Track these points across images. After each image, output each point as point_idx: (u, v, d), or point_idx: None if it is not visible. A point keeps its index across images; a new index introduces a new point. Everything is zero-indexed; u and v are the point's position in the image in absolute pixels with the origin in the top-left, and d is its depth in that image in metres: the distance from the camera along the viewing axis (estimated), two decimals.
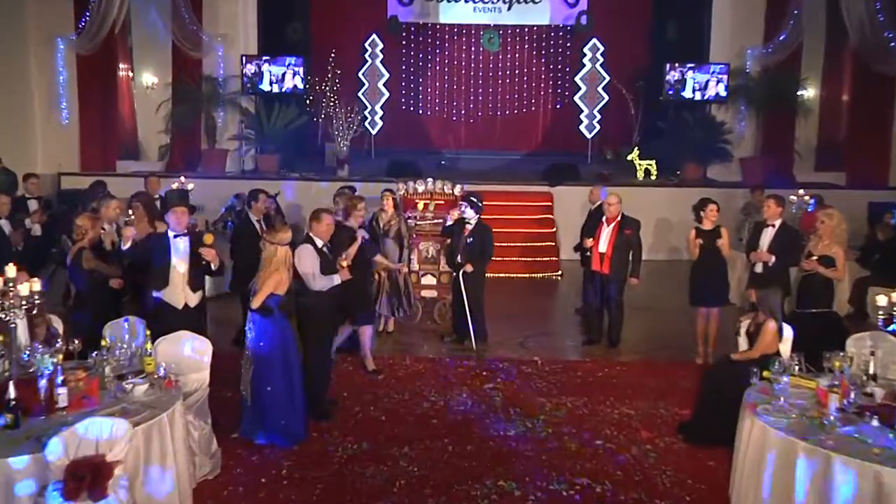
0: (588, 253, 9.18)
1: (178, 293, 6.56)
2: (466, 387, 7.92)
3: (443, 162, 16.72)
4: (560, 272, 13.10)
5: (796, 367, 5.56)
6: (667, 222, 14.03)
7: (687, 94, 15.27)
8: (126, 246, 6.81)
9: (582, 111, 17.54)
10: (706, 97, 15.10)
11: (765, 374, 5.53)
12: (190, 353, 6.09)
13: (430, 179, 10.18)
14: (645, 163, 15.00)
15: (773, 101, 14.40)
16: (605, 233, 8.99)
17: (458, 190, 10.17)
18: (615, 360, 8.83)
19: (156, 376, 5.41)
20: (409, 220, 10.09)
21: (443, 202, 10.47)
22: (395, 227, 9.17)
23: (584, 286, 10.02)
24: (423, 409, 7.35)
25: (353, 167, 15.32)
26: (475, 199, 9.10)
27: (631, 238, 8.97)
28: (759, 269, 8.23)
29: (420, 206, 10.22)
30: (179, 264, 6.54)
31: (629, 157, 15.11)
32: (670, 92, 15.48)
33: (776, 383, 5.33)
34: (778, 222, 8.20)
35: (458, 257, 9.05)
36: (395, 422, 7.06)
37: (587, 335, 9.53)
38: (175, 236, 6.56)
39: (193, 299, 6.64)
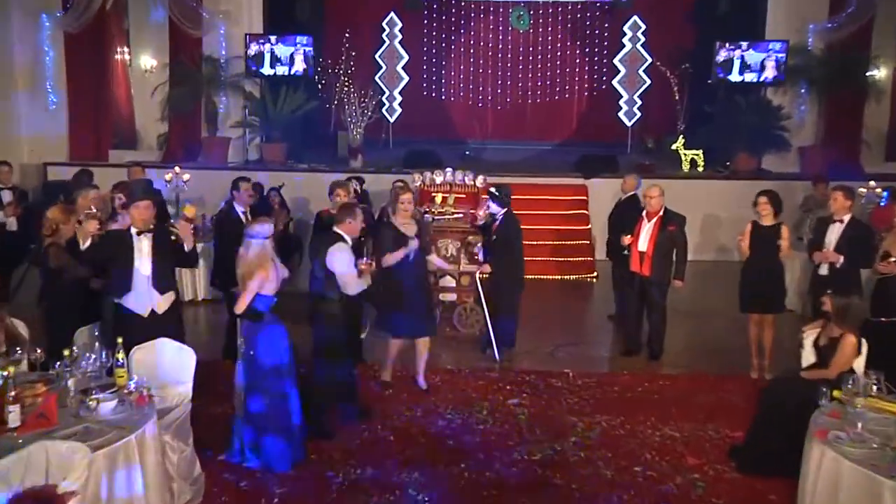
0: (626, 251, 8.73)
1: (143, 298, 6.18)
2: (487, 403, 7.52)
3: (467, 152, 16.39)
4: (595, 274, 12.68)
5: (874, 387, 5.08)
6: (715, 218, 13.56)
7: (738, 76, 14.66)
8: (85, 244, 6.48)
9: (621, 96, 17.18)
10: (761, 79, 14.52)
11: (835, 394, 5.07)
12: (170, 363, 5.77)
13: (449, 170, 9.76)
14: (691, 153, 14.50)
15: (838, 83, 13.75)
16: (646, 229, 8.56)
17: (480, 182, 9.75)
18: (657, 374, 8.40)
19: (126, 391, 5.06)
20: (425, 216, 9.73)
21: (464, 195, 10.07)
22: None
23: (619, 288, 9.66)
24: (437, 429, 6.97)
25: (367, 157, 14.99)
26: (496, 192, 8.69)
27: (675, 235, 8.53)
28: (823, 270, 7.81)
29: (438, 199, 9.84)
30: (143, 265, 6.16)
31: (673, 147, 14.61)
32: (720, 74, 14.91)
33: (850, 406, 4.86)
34: (847, 218, 7.73)
35: (487, 266, 8.77)
36: (404, 443, 6.68)
37: (625, 345, 9.09)
38: (138, 233, 6.19)
39: (162, 304, 6.26)
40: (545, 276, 12.33)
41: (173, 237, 6.24)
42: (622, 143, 16.89)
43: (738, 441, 6.55)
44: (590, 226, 13.37)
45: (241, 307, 5.82)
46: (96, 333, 5.97)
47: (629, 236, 8.57)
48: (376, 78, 16.95)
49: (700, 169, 14.46)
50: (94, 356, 5.39)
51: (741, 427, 6.69)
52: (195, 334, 8.89)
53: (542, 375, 8.25)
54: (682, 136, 14.61)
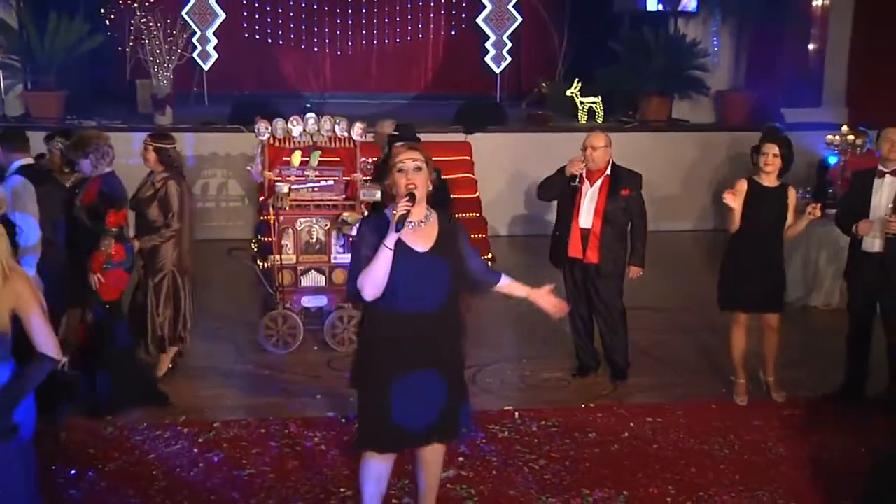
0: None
1: None
2: (407, 480, 4.77)
3: (308, 105, 13.45)
4: (490, 255, 10.19)
5: None
6: None
7: (655, 4, 12.29)
8: None
9: (488, 38, 14.74)
10: (675, 8, 12.25)
11: None
12: None
13: (311, 117, 6.87)
14: (588, 100, 12.25)
15: (759, 13, 11.71)
16: (589, 196, 6.24)
17: (357, 133, 6.94)
18: (637, 406, 6.08)
19: None
20: (277, 182, 6.89)
21: (336, 155, 7.21)
22: (152, 192, 6.11)
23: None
24: None
25: (179, 111, 11.79)
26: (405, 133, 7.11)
27: (630, 202, 6.30)
28: (874, 246, 5.74)
29: (295, 158, 6.98)
30: None
31: (568, 93, 12.32)
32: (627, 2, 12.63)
33: None
34: None
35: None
36: None
37: (579, 360, 6.66)
38: None
39: None
40: None
41: None
42: (489, 94, 14.58)
43: None
44: (478, 193, 10.88)
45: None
46: None
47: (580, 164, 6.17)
48: (184, 13, 13.58)
49: (599, 119, 12.24)
50: None
51: (808, 496, 4.70)
52: None
53: (477, 419, 5.62)
54: (578, 81, 12.29)
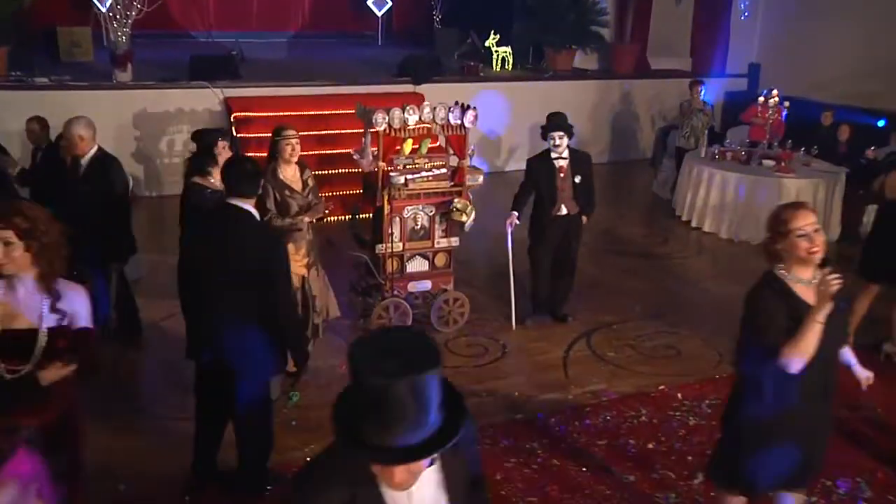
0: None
1: None
2: None
3: (233, 52, 10.75)
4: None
5: None
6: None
7: None
8: None
9: None
10: None
11: None
12: None
13: (427, 106, 4.97)
14: (501, 50, 10.73)
15: None
16: None
17: (469, 120, 5.18)
18: (723, 377, 5.08)
19: None
20: (391, 173, 5.06)
21: (438, 144, 5.39)
22: (311, 187, 4.64)
23: None
24: None
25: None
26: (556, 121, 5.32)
27: None
28: None
29: (407, 147, 5.13)
30: None
31: (487, 44, 10.71)
32: None
33: None
34: None
35: (563, 207, 5.38)
36: None
37: None
38: None
39: None
40: None
41: None
42: (369, 33, 13.26)
43: None
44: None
45: None
46: None
47: None
48: None
49: (509, 68, 10.80)
50: None
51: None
52: None
53: (640, 401, 4.53)
54: (494, 33, 10.66)
